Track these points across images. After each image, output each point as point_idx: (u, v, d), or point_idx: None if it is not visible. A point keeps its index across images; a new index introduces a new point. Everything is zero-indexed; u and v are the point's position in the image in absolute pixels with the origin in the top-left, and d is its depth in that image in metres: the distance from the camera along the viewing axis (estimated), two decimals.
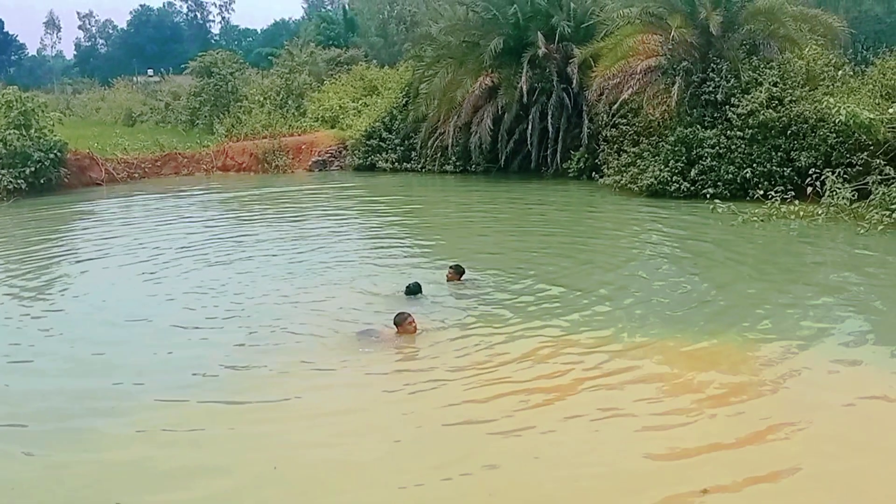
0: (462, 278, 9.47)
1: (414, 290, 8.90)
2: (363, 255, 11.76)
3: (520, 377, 6.53)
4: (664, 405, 5.95)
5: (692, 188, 15.62)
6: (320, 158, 24.74)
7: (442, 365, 6.91)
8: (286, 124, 26.24)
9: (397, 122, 23.68)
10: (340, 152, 24.79)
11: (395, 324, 7.70)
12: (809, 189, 13.39)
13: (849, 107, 13.48)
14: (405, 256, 11.68)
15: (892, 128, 13.43)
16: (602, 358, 6.95)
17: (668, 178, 15.82)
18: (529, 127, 19.92)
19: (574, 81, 19.51)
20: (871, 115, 13.34)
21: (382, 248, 12.46)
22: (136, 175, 23.79)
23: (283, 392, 6.53)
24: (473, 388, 6.35)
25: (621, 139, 17.91)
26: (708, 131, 15.73)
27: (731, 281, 9.70)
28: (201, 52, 32.83)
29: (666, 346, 7.23)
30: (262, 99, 28.07)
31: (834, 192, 13.04)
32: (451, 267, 9.61)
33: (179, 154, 25.23)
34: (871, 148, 13.76)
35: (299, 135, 25.68)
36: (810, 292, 9.07)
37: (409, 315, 7.71)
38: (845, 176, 13.48)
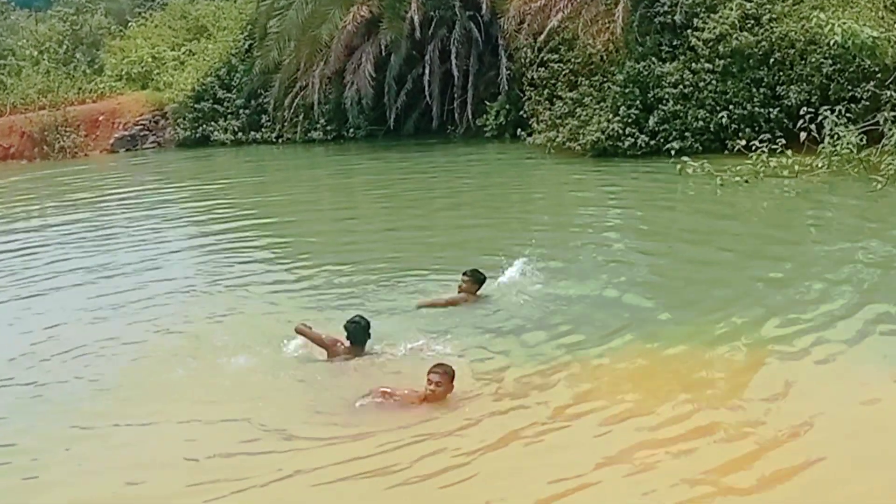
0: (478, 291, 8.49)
1: (364, 328, 7.42)
2: (207, 279, 10.47)
3: None
4: None
5: (652, 142, 15.82)
6: (127, 133, 24.45)
7: None
8: (74, 87, 25.80)
9: (238, 76, 23.45)
10: (157, 122, 24.59)
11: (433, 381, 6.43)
12: (803, 134, 13.70)
13: (845, 23, 13.79)
14: (272, 280, 10.32)
15: None
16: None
17: (620, 132, 15.93)
18: (427, 72, 19.84)
19: (484, 7, 19.56)
20: (875, 34, 13.70)
21: (233, 264, 11.14)
22: None
23: None
24: None
25: (553, 82, 17.91)
26: (667, 65, 15.93)
27: (720, 271, 9.55)
28: None
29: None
30: (36, 53, 27.58)
31: (836, 137, 13.34)
32: (465, 274, 8.44)
33: None
34: (879, 76, 14.19)
35: (94, 101, 25.32)
36: (821, 278, 8.95)
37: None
38: (848, 115, 13.83)
